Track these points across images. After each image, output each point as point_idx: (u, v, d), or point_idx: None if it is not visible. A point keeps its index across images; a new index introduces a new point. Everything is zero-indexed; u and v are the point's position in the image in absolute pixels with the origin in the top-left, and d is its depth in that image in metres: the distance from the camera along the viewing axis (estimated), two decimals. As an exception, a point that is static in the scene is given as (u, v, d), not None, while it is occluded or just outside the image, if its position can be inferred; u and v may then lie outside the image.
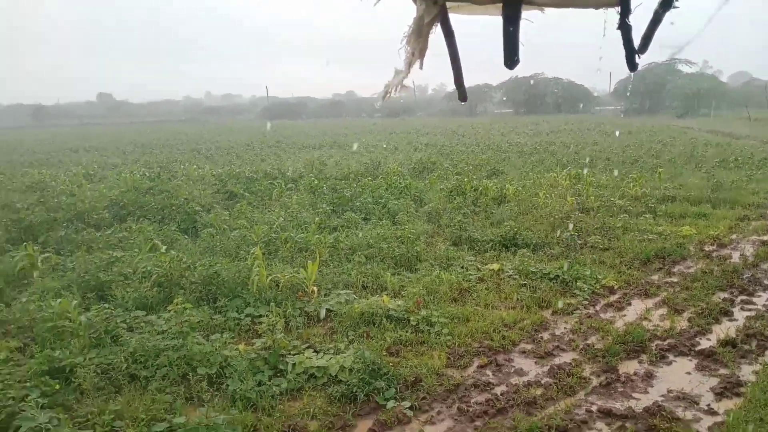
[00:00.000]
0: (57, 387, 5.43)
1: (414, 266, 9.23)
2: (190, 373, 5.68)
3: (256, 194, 14.72)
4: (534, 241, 10.30)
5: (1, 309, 7.16)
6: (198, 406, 5.26)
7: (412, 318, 7.03)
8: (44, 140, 48.62)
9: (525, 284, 8.33)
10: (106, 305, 7.13)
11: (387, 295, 7.69)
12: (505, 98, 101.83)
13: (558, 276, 8.50)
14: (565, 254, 9.77)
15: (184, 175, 18.26)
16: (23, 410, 4.80)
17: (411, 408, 5.30)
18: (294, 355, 6.03)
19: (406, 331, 6.80)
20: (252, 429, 4.90)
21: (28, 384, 5.31)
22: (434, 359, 6.19)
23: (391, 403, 5.35)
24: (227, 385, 5.52)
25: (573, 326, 7.05)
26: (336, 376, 5.67)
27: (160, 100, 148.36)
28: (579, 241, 10.45)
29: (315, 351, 6.22)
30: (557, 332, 6.93)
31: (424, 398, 5.49)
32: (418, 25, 1.50)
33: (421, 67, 1.57)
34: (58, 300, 7.06)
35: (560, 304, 7.63)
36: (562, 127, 47.98)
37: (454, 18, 1.54)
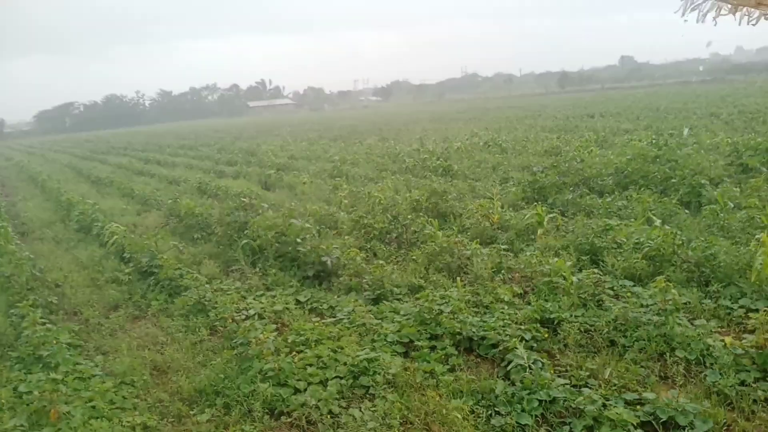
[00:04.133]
0: (545, 335, 6.18)
1: None
2: (668, 353, 5.60)
3: (779, 169, 12.73)
4: None
5: (510, 258, 8.47)
6: (670, 387, 5.18)
7: None
8: (565, 106, 52.87)
9: None
10: (597, 270, 7.59)
11: None
12: None
13: None
14: None
15: (695, 143, 17.22)
16: (516, 348, 5.68)
17: None
18: (794, 363, 5.20)
19: None
20: (724, 428, 4.55)
21: (522, 327, 6.22)
22: None
23: None
24: (705, 375, 5.22)
25: None
26: None
27: (682, 59, 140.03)
28: None
29: (825, 365, 5.21)
30: None
31: None
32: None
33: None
34: (556, 258, 7.90)
35: None
36: None
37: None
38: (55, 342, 6.79)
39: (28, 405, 5.46)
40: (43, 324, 7.26)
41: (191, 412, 5.39)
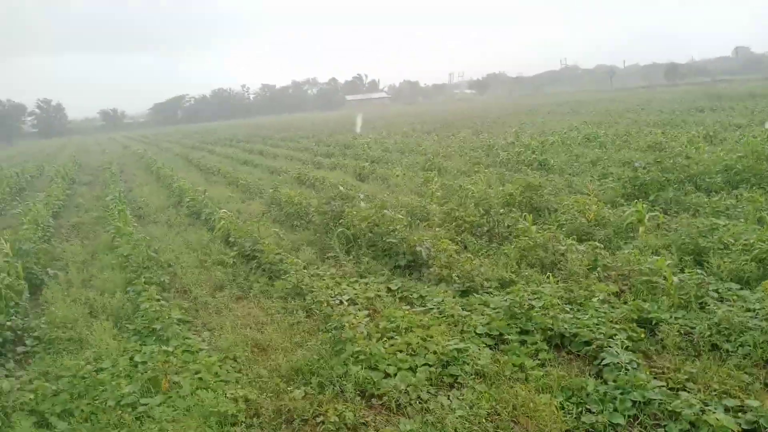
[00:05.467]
0: (642, 335, 6.00)
1: None
2: (775, 361, 5.30)
3: None
4: None
5: (606, 256, 8.24)
6: (774, 396, 4.91)
7: None
8: (672, 99, 50.00)
9: None
10: (700, 271, 7.25)
11: None
12: None
13: None
14: None
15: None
16: (609, 347, 5.57)
17: None
18: None
19: None
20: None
21: (617, 326, 6.07)
22: None
23: None
24: (817, 386, 4.91)
25: None
26: None
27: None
28: None
29: None
30: None
31: None
32: None
33: None
34: (656, 257, 7.61)
35: None
36: None
37: None
38: (167, 317, 7.37)
39: (142, 374, 5.99)
40: (157, 300, 7.90)
41: (288, 389, 5.71)
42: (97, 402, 5.59)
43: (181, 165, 30.40)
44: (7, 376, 6.30)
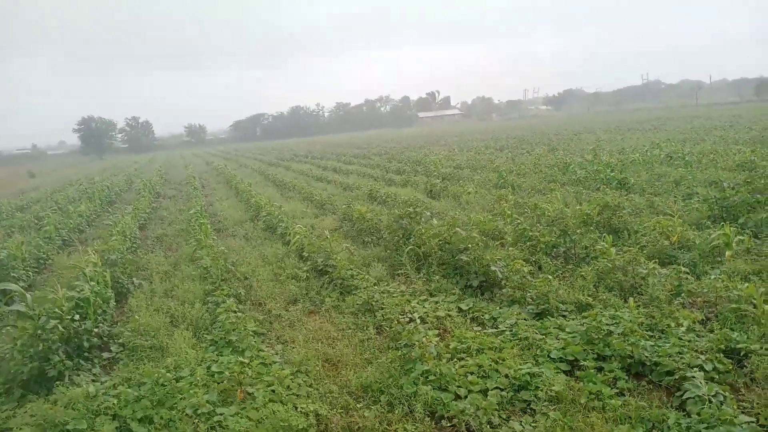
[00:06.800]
0: (729, 367, 5.65)
1: None
2: None
3: None
4: None
5: (691, 281, 7.83)
6: None
7: None
8: (763, 116, 47.26)
9: None
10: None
11: None
12: None
13: None
14: None
15: None
16: (694, 378, 5.28)
17: None
18: None
19: None
20: None
21: (702, 356, 5.75)
22: None
23: None
24: None
25: None
26: None
27: None
28: None
29: None
30: None
31: None
32: None
33: None
34: (745, 284, 7.17)
35: None
36: None
37: None
38: (243, 329, 7.58)
39: (218, 384, 6.17)
40: (234, 312, 8.14)
41: (358, 406, 5.73)
42: (175, 410, 5.79)
43: (258, 180, 31.39)
44: (93, 380, 6.66)
